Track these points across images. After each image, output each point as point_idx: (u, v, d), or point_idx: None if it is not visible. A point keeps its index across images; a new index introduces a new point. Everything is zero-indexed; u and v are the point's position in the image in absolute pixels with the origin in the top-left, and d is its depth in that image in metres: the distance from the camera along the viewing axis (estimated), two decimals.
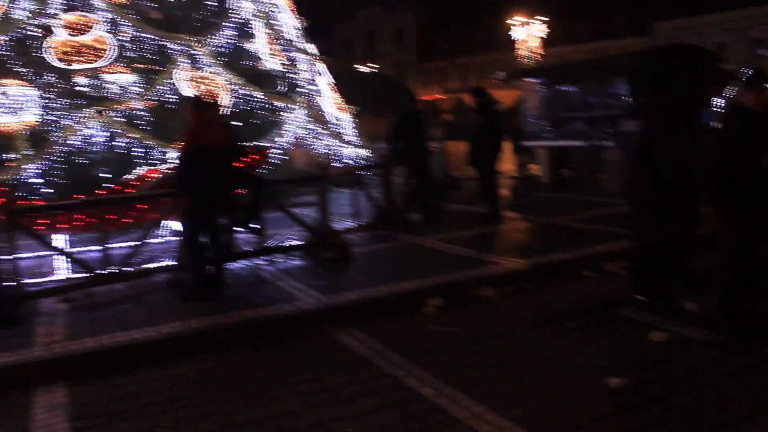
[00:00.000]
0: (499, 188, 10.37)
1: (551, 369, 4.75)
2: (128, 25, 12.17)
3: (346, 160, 15.33)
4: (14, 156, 10.47)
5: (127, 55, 12.26)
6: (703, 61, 13.20)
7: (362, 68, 49.48)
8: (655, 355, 4.95)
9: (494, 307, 6.30)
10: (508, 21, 39.63)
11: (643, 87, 5.76)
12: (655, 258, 5.68)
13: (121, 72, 12.14)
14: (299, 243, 8.33)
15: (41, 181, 10.35)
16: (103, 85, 11.86)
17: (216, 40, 13.56)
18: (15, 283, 6.29)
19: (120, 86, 12.05)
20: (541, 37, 38.77)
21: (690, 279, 6.23)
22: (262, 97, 13.80)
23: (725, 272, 5.06)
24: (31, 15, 11.64)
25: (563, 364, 4.82)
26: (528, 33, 38.54)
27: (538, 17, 38.30)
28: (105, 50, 11.74)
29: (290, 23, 16.10)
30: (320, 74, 16.64)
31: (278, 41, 15.33)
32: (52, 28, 11.64)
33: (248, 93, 13.52)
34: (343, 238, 8.39)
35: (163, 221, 8.19)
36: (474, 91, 10.31)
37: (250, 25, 14.57)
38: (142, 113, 11.70)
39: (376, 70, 49.72)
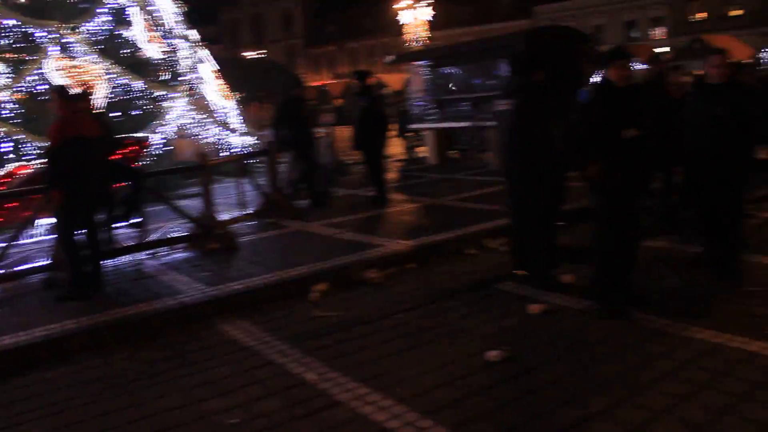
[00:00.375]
0: (385, 171, 10.47)
1: (434, 346, 4.86)
2: None
3: (234, 149, 15.10)
4: None
5: None
6: (578, 42, 13.73)
7: (249, 55, 48.69)
8: (532, 326, 5.15)
9: (379, 289, 6.37)
10: (395, 5, 39.89)
11: (521, 67, 5.90)
12: (531, 233, 5.89)
13: None
14: (183, 235, 8.14)
15: None
16: None
17: (90, 27, 13.00)
18: None
19: None
20: (428, 21, 39.24)
21: (566, 251, 6.53)
22: (142, 85, 13.35)
23: (596, 242, 5.31)
24: None
25: (445, 341, 4.95)
26: (415, 16, 38.91)
27: (425, 0, 38.71)
28: None
29: (169, 9, 15.63)
30: (203, 61, 16.26)
31: (157, 27, 14.86)
32: None
33: (127, 82, 13.05)
34: (229, 228, 8.27)
35: (35, 219, 7.80)
36: (356, 74, 10.35)
37: (126, 11, 14.04)
38: (10, 105, 11.07)
39: (263, 57, 48.98)
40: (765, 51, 26.69)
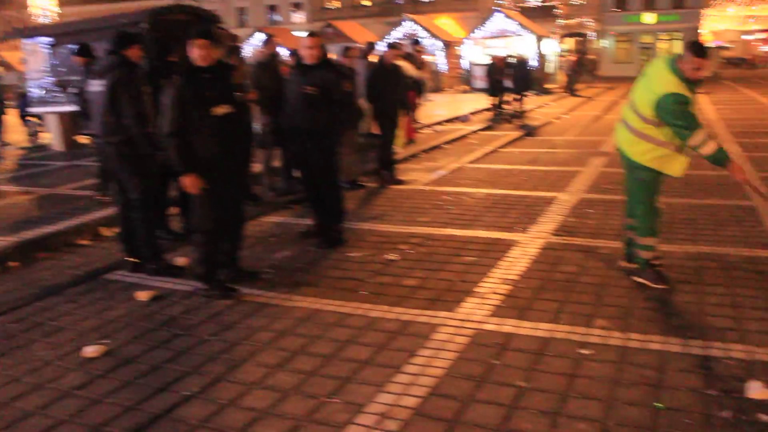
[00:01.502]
0: None
1: (25, 351, 4.41)
2: None
3: None
4: None
5: None
6: (205, 22, 13.58)
7: None
8: (138, 314, 4.96)
9: None
10: None
11: (114, 44, 5.55)
12: (137, 218, 5.65)
13: None
14: None
15: None
16: None
17: None
18: None
19: None
20: None
21: (178, 234, 6.46)
22: None
23: (197, 223, 5.23)
24: None
25: (40, 343, 4.52)
26: None
27: None
28: None
29: None
30: None
31: None
32: None
33: None
34: None
35: None
36: None
37: None
38: None
39: None
40: (387, 38, 29.36)
